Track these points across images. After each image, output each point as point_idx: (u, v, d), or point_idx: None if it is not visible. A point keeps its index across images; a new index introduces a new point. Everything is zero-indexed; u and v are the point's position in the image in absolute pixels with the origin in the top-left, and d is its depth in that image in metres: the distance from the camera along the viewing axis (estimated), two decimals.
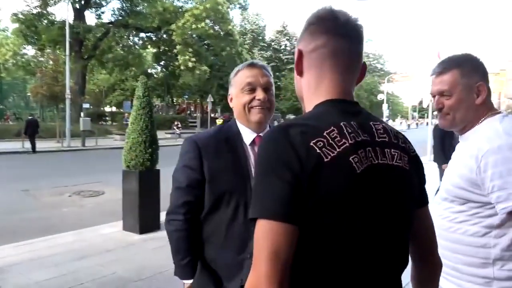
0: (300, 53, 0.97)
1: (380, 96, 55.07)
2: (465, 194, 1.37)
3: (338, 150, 0.81)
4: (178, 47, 32.56)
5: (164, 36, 35.80)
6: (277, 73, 51.16)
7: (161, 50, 39.62)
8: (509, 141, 1.29)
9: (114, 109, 52.08)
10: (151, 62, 45.34)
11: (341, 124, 0.85)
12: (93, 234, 5.25)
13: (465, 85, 1.45)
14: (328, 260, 0.80)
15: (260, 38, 52.45)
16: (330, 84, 0.94)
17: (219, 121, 29.37)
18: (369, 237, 0.84)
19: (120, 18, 33.12)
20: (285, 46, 54.42)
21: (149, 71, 48.67)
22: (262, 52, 50.89)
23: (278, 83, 48.90)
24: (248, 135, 1.55)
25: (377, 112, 62.79)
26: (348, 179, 0.81)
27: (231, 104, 1.60)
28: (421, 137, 21.47)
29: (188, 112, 49.50)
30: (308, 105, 0.96)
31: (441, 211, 1.47)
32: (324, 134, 0.83)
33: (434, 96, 1.53)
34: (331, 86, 0.94)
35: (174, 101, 53.49)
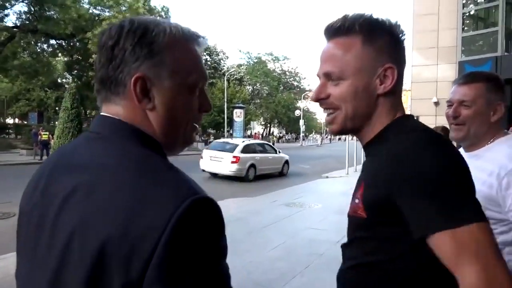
0: (400, 73, 0.95)
1: (297, 112, 57.60)
2: None
3: None
4: (94, 56, 30.80)
5: (78, 44, 33.75)
6: None
7: (73, 59, 37.25)
8: None
9: (17, 121, 47.45)
10: (61, 71, 42.37)
11: None
12: (4, 264, 4.57)
13: (487, 100, 1.49)
14: None
15: None
16: (401, 104, 1.00)
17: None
18: None
19: (28, 22, 30.47)
20: (206, 60, 54.45)
21: (59, 80, 45.45)
22: None
23: None
24: None
25: (294, 127, 65.64)
26: None
27: (145, 104, 0.77)
28: (338, 152, 22.81)
29: None
30: (379, 124, 0.96)
31: None
32: None
33: (451, 105, 1.54)
34: (401, 105, 1.00)
35: (88, 113, 50.47)
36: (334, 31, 0.94)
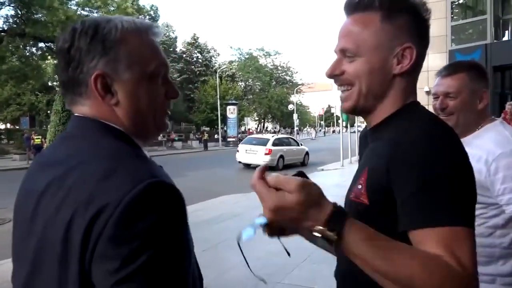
0: (419, 55, 0.90)
1: (290, 107, 57.61)
2: None
3: None
4: None
5: None
6: (190, 85, 50.80)
7: None
8: None
9: (9, 126, 47.02)
10: (51, 74, 42.04)
11: None
12: (1, 270, 4.50)
13: (471, 89, 1.52)
14: None
15: (171, 49, 51.63)
16: (415, 88, 0.96)
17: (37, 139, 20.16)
18: None
19: (15, 26, 30.14)
20: (197, 58, 54.30)
21: (49, 83, 45.07)
22: (174, 64, 50.07)
23: (191, 95, 48.50)
24: None
25: (288, 121, 65.69)
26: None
27: (109, 99, 0.80)
28: (332, 144, 22.92)
29: None
30: (391, 106, 0.93)
31: None
32: None
33: (437, 97, 1.57)
34: (415, 90, 0.97)
35: None
36: (354, 7, 0.91)
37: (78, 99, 0.81)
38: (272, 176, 0.74)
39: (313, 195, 0.72)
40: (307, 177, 0.78)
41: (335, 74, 0.94)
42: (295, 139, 20.36)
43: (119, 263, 0.63)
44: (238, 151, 17.53)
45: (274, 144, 16.87)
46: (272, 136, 18.24)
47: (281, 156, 16.91)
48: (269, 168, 0.76)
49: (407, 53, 0.88)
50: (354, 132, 18.54)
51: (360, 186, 0.91)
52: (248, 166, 17.02)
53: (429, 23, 0.92)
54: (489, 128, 1.53)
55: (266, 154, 16.28)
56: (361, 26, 0.89)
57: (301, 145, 19.26)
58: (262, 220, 0.94)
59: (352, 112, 0.97)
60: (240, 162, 17.23)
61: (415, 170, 0.78)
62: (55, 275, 0.69)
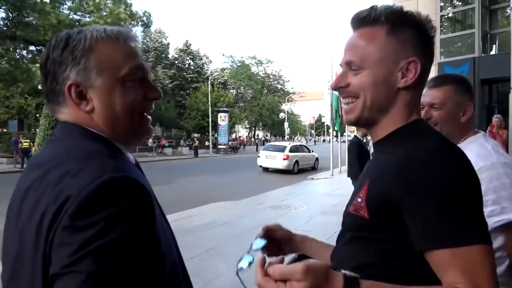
0: (424, 69, 0.92)
1: (281, 115, 57.82)
2: None
3: None
4: None
5: None
6: (181, 92, 50.71)
7: None
8: (501, 159, 1.43)
9: None
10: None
11: None
12: None
13: (455, 101, 1.55)
14: None
15: (164, 56, 51.56)
16: (419, 104, 0.97)
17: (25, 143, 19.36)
18: None
19: (6, 29, 29.89)
20: (189, 64, 54.29)
21: (39, 87, 44.65)
22: (165, 70, 49.97)
23: (183, 102, 48.40)
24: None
25: (279, 130, 65.88)
26: None
27: (84, 106, 0.85)
28: (322, 153, 23.07)
29: None
30: (395, 119, 0.93)
31: None
32: None
33: (422, 108, 1.58)
34: (419, 106, 0.97)
35: None
36: (360, 21, 0.93)
37: (57, 107, 0.87)
38: (273, 269, 0.73)
39: (320, 274, 0.70)
40: (307, 257, 0.78)
41: (340, 86, 0.95)
42: (307, 146, 22.37)
43: (75, 248, 0.66)
44: (259, 156, 19.72)
45: (290, 151, 18.88)
46: (289, 144, 20.43)
47: (296, 161, 18.80)
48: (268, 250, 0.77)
49: (412, 66, 0.89)
50: (344, 141, 18.64)
51: (360, 200, 0.90)
52: (266, 170, 19.06)
53: (434, 40, 0.93)
54: (471, 141, 1.55)
55: (284, 159, 18.22)
56: (366, 40, 0.91)
57: (312, 151, 21.40)
58: (260, 243, 0.95)
59: (356, 124, 0.97)
60: (260, 166, 19.33)
61: (428, 188, 0.78)
62: (30, 271, 0.72)
